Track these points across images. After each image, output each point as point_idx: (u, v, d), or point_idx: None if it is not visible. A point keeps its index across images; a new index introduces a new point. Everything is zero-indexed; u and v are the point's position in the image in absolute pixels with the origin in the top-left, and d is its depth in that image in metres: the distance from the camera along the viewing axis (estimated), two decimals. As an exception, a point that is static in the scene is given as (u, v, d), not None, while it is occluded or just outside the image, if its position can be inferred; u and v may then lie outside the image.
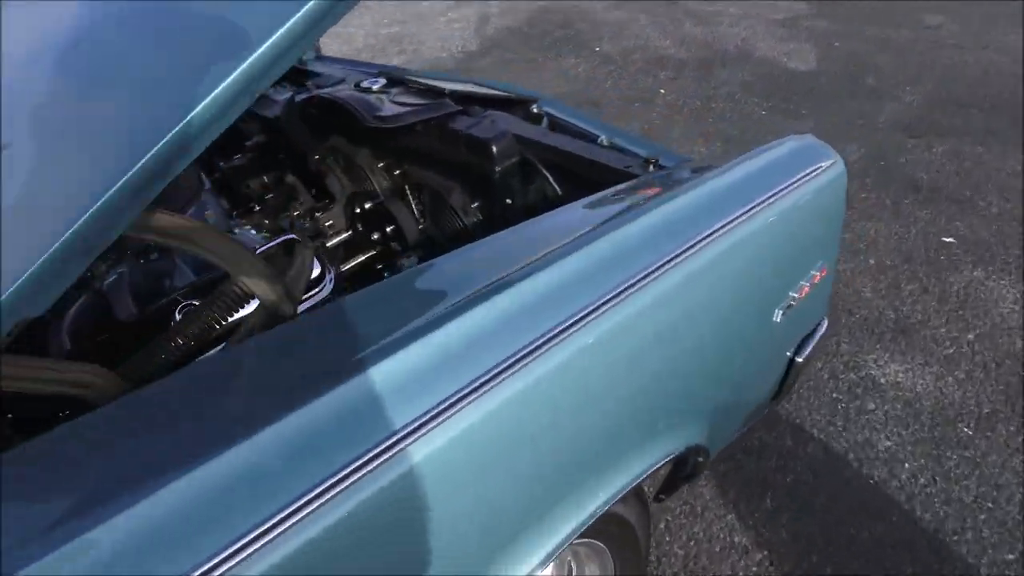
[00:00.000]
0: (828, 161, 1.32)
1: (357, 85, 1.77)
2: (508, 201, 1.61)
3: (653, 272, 1.02)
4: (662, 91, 4.42)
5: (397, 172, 1.77)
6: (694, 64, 4.78)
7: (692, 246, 1.08)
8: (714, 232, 1.11)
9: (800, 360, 1.41)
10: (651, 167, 1.45)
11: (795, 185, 1.25)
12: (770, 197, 1.21)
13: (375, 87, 1.77)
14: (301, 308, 1.34)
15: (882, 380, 2.17)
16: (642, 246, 1.06)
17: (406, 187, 1.75)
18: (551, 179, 1.58)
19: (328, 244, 1.61)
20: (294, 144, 1.79)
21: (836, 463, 1.90)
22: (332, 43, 5.44)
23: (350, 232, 1.65)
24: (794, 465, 1.90)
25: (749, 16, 5.59)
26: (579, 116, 1.84)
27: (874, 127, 3.82)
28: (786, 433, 1.99)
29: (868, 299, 2.52)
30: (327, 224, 1.62)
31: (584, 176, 1.52)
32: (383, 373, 0.78)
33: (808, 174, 1.29)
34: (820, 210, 1.32)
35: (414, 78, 1.77)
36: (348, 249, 1.65)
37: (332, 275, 1.39)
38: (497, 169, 1.54)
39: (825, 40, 5.06)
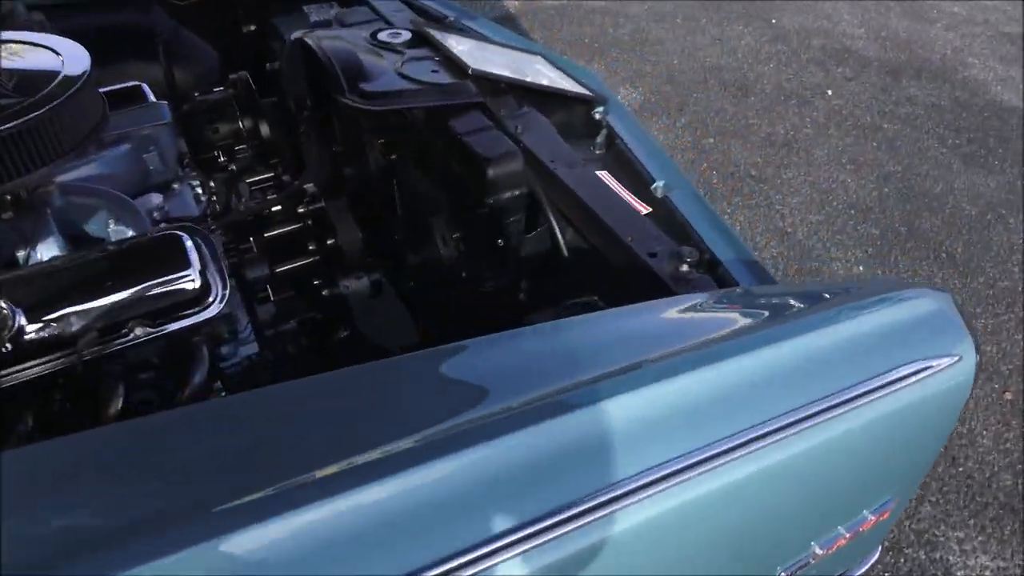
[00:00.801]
0: (953, 357, 0.81)
1: (374, 35, 1.37)
2: (499, 243, 1.19)
3: (609, 503, 0.61)
4: (829, 92, 3.69)
5: (393, 156, 1.39)
6: (881, 67, 3.97)
7: (678, 472, 0.65)
8: (723, 453, 0.66)
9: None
10: (684, 266, 0.98)
11: (890, 388, 0.76)
12: (841, 403, 0.73)
13: (396, 41, 1.36)
14: (176, 326, 1.02)
15: (959, 574, 1.63)
16: (620, 449, 0.64)
17: (395, 181, 1.37)
18: (559, 235, 1.14)
19: (267, 234, 1.26)
20: (287, 91, 1.43)
21: None
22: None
23: (299, 225, 1.29)
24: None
25: (974, 21, 4.60)
26: (648, 142, 1.36)
27: (1081, 208, 3.00)
28: (802, 612, 1.52)
29: (983, 449, 1.93)
30: (274, 209, 1.26)
31: (595, 246, 1.08)
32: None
33: (919, 372, 0.79)
34: (911, 432, 0.83)
35: (446, 44, 1.34)
36: (295, 245, 1.30)
37: (227, 289, 1.05)
38: (489, 201, 1.13)
39: (1059, 74, 4.08)
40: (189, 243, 1.04)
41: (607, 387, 0.68)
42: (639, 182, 1.25)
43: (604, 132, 1.35)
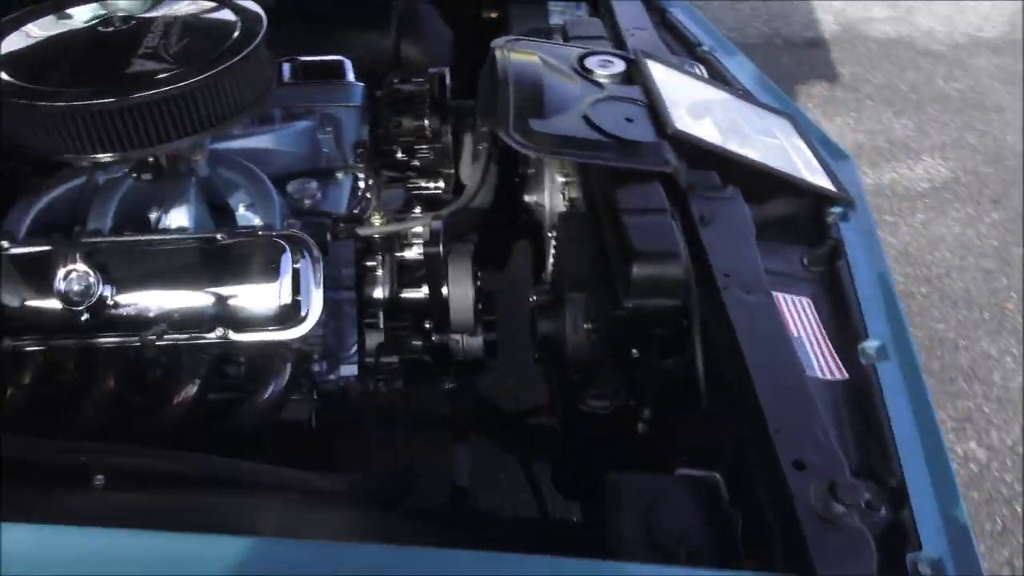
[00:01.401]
0: None
1: (582, 59, 1.15)
2: (634, 353, 0.95)
3: None
4: None
5: (573, 197, 1.19)
6: None
7: None
8: None
9: None
10: (839, 505, 0.67)
11: None
12: None
13: (602, 71, 1.14)
14: (254, 337, 0.96)
15: None
16: None
17: (553, 233, 1.17)
18: (702, 373, 0.86)
19: (399, 254, 1.13)
20: (478, 100, 1.29)
21: None
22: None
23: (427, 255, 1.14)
24: None
25: None
26: (883, 275, 1.02)
27: None
28: None
29: None
30: (414, 231, 1.13)
31: (735, 411, 0.80)
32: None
33: None
34: None
35: (658, 88, 1.09)
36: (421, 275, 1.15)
37: (321, 311, 0.95)
38: (628, 303, 0.89)
39: None
40: (287, 256, 0.96)
41: None
42: (847, 329, 0.92)
43: (830, 244, 1.03)
